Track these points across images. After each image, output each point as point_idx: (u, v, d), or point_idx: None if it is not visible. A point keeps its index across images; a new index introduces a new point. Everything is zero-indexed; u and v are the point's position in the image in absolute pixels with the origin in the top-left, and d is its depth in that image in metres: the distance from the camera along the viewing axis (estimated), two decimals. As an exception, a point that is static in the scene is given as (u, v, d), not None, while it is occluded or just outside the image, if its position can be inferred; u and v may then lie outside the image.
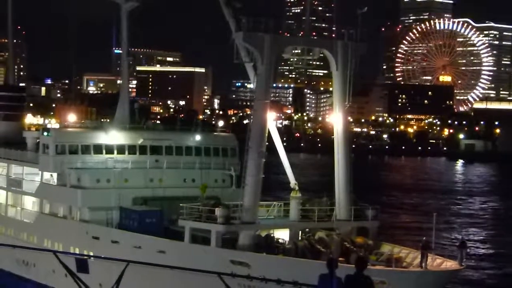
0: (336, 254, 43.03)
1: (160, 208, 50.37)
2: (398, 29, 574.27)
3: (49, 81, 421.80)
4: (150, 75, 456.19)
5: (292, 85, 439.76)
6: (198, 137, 58.75)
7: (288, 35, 49.77)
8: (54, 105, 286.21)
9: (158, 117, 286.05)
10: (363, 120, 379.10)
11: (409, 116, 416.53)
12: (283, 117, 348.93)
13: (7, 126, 72.61)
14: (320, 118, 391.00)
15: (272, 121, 51.49)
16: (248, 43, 46.63)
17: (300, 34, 50.87)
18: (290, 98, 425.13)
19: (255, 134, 45.73)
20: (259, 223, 45.87)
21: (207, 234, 44.87)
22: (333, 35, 50.57)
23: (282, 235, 46.83)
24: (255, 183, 45.25)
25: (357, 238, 47.11)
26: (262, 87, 46.58)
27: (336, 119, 48.85)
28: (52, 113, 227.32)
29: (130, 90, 77.19)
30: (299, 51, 51.59)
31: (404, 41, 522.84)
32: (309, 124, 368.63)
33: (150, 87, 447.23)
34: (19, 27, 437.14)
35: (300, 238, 47.27)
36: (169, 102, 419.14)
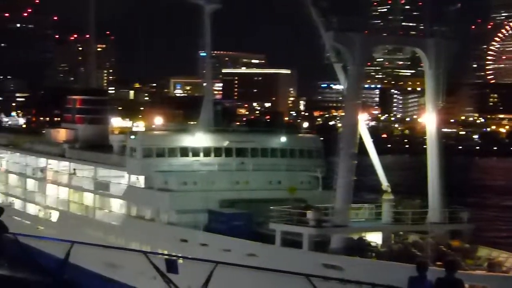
0: (432, 258, 41.69)
1: (249, 210, 49.69)
2: (489, 27, 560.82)
3: (137, 85, 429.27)
4: (236, 77, 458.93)
5: (379, 86, 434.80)
6: (283, 139, 58.31)
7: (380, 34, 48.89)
8: (142, 108, 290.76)
9: (244, 119, 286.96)
10: (452, 121, 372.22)
11: (501, 116, 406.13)
12: (370, 118, 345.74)
13: (93, 129, 73.28)
14: (407, 119, 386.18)
15: (363, 122, 50.36)
16: (338, 43, 45.58)
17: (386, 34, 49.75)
18: (377, 99, 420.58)
19: (346, 135, 44.94)
20: (351, 226, 44.89)
21: (297, 237, 43.97)
22: (424, 34, 49.12)
23: (374, 238, 45.61)
24: (346, 185, 44.32)
25: (453, 241, 45.42)
26: (353, 88, 45.74)
27: (428, 120, 47.49)
28: (140, 116, 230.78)
29: (215, 92, 77.12)
30: (388, 50, 50.46)
31: (495, 39, 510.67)
32: (396, 125, 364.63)
33: (235, 89, 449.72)
34: (108, 32, 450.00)
35: (393, 241, 45.85)
36: (254, 104, 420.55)
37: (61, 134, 74.49)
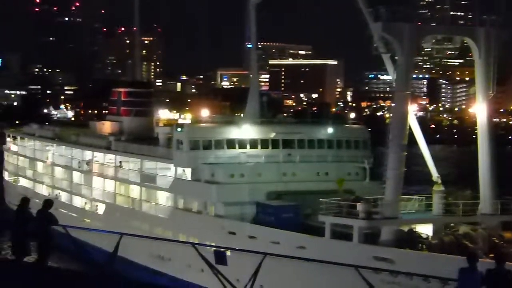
0: (484, 250, 41.08)
1: (296, 202, 49.26)
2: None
3: (184, 77, 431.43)
4: (283, 69, 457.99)
5: (426, 76, 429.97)
6: (330, 130, 58.01)
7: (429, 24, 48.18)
8: (189, 100, 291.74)
9: (291, 110, 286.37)
10: (501, 110, 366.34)
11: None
12: (418, 108, 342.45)
13: (138, 121, 73.39)
14: (456, 109, 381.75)
15: (413, 113, 49.73)
16: (387, 33, 45.06)
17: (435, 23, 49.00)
18: (425, 89, 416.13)
19: (395, 126, 44.40)
20: (401, 218, 44.32)
21: (346, 229, 43.56)
22: (473, 23, 48.26)
23: (424, 229, 44.87)
24: (396, 176, 43.77)
25: (505, 232, 44.54)
26: (402, 79, 45.20)
27: (479, 110, 46.74)
28: (187, 108, 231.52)
29: (261, 84, 76.85)
30: (437, 40, 49.75)
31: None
32: (444, 115, 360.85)
33: (282, 81, 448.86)
34: (155, 25, 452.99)
35: (444, 233, 45.14)
36: (301, 95, 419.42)
37: (106, 126, 74.76)
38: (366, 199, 44.24)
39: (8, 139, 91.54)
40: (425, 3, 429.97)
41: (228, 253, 19.12)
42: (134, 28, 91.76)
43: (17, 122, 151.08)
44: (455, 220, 45.71)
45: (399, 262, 39.37)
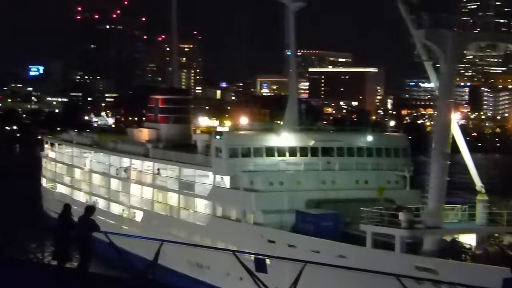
0: None
1: (336, 211, 48.70)
2: None
3: (224, 85, 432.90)
4: (322, 76, 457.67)
5: (468, 84, 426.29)
6: (369, 138, 57.53)
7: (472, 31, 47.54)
8: (228, 108, 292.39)
9: (331, 117, 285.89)
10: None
11: None
12: (459, 116, 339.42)
13: (175, 129, 73.21)
14: (498, 117, 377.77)
15: (456, 121, 49.03)
16: (430, 40, 44.59)
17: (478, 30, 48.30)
18: (467, 97, 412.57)
19: (438, 135, 43.90)
20: (444, 228, 43.68)
21: (388, 238, 43.01)
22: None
23: (468, 240, 44.06)
24: (439, 186, 43.17)
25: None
26: (445, 87, 44.72)
27: None
28: (226, 115, 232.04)
29: (301, 91, 76.43)
30: (481, 47, 49.01)
31: None
32: (486, 123, 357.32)
33: (322, 88, 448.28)
34: (195, 32, 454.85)
35: (488, 243, 44.27)
36: (341, 102, 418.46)
37: (144, 133, 74.78)
38: (408, 208, 43.68)
39: (46, 145, 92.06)
40: (467, 10, 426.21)
41: (268, 261, 18.89)
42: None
43: (58, 129, 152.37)
44: (499, 230, 44.86)
45: (442, 272, 38.67)
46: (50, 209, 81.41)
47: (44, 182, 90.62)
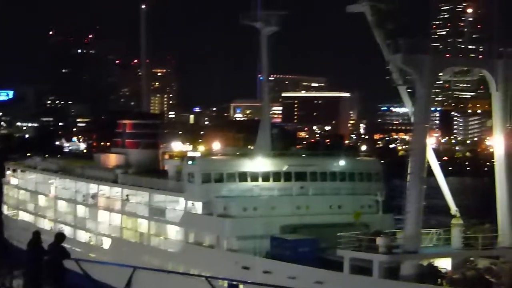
0: (507, 284, 40.56)
1: (312, 236, 48.25)
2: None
3: (197, 109, 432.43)
4: (296, 101, 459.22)
5: (439, 108, 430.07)
6: (342, 162, 57.43)
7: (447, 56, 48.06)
8: (202, 132, 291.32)
9: (304, 142, 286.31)
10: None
11: None
12: (435, 141, 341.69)
13: (144, 154, 71.69)
14: (468, 141, 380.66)
15: (430, 145, 49.05)
16: (407, 65, 44.69)
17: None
18: (437, 121, 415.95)
19: (415, 159, 43.87)
20: (422, 252, 43.51)
21: (366, 264, 42.54)
22: (486, 55, 48.00)
23: (443, 264, 44.03)
24: (417, 210, 43.04)
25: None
26: (422, 111, 44.92)
27: (496, 142, 46.52)
28: (200, 140, 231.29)
29: (275, 116, 76.24)
30: (455, 72, 49.49)
31: None
32: (457, 148, 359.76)
33: (296, 113, 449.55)
34: (169, 57, 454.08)
35: (465, 267, 44.12)
36: (314, 127, 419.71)
37: (111, 159, 73.12)
38: (386, 233, 43.48)
39: (8, 172, 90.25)
40: (437, 36, 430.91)
41: (241, 286, 18.46)
42: (147, 60, 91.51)
43: (28, 154, 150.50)
44: (475, 254, 44.86)
45: None
46: (12, 237, 79.77)
47: (5, 209, 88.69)
